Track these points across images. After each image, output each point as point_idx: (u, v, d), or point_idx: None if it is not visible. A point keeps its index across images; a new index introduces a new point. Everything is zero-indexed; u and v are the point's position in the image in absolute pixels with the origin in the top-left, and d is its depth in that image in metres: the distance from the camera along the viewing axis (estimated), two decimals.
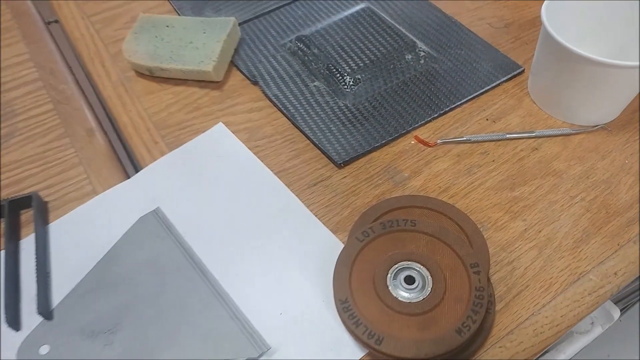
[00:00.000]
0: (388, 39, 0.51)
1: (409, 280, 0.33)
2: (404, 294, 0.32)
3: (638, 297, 0.62)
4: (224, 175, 0.44)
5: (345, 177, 0.43)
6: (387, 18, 0.54)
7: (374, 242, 0.34)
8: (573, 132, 0.44)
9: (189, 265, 0.39)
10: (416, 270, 0.33)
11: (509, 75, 0.49)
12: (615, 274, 0.36)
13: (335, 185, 0.42)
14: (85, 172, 0.45)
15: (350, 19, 0.54)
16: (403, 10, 0.56)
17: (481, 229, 0.38)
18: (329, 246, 0.39)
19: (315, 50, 0.51)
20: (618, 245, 0.37)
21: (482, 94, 0.48)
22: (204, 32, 0.52)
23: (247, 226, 0.40)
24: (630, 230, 0.38)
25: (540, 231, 0.38)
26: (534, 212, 0.40)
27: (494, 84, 0.48)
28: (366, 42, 0.51)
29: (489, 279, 0.35)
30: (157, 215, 0.42)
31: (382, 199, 0.41)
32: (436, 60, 0.51)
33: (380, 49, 0.50)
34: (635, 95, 0.44)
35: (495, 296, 0.35)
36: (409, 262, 0.33)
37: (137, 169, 0.45)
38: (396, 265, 0.33)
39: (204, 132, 0.47)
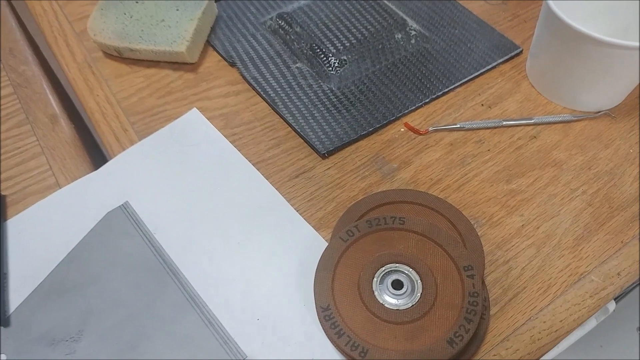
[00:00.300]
0: (376, 16, 0.47)
1: (397, 284, 0.30)
2: (391, 300, 0.29)
3: (636, 284, 0.60)
4: (198, 166, 0.40)
5: (329, 168, 0.40)
6: None
7: (359, 242, 0.32)
8: (574, 119, 0.41)
9: (160, 266, 0.36)
10: (405, 273, 0.30)
11: (506, 57, 0.46)
12: (619, 274, 0.33)
13: (318, 177, 0.39)
14: (48, 163, 0.41)
15: None
16: None
17: (475, 225, 0.36)
18: (312, 244, 0.36)
19: (298, 29, 0.47)
20: (622, 243, 0.35)
21: (477, 76, 0.45)
22: (177, 10, 0.47)
23: (222, 223, 0.37)
24: (635, 226, 0.35)
25: (538, 227, 0.36)
26: (532, 206, 0.37)
27: (490, 66, 0.45)
28: (353, 19, 0.47)
29: (483, 282, 0.32)
30: (125, 210, 0.38)
31: (369, 192, 0.38)
32: (428, 39, 0.47)
33: (368, 27, 0.46)
34: None
35: (490, 299, 0.32)
36: (397, 265, 0.30)
37: (104, 160, 0.41)
38: (383, 268, 0.30)
39: (177, 118, 0.43)
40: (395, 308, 0.29)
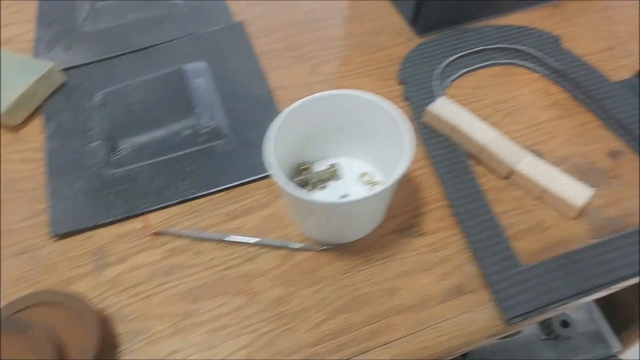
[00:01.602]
0: (176, 108, 0.49)
1: None
2: None
3: None
4: None
5: (55, 251, 0.42)
6: (197, 82, 0.52)
7: None
8: (299, 248, 0.40)
9: None
10: None
11: None
12: None
13: (40, 258, 0.41)
14: None
15: (159, 79, 0.52)
16: (230, 75, 0.53)
17: (134, 340, 0.36)
18: None
19: (109, 109, 0.50)
20: None
21: (245, 183, 0.45)
22: (21, 73, 0.52)
23: None
24: None
25: (191, 355, 0.35)
26: (199, 332, 0.36)
27: (259, 176, 0.45)
28: (158, 110, 0.49)
29: None
30: None
31: (72, 283, 0.39)
32: (222, 137, 0.48)
33: (162, 119, 0.48)
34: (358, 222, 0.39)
35: None
36: None
37: None
38: None
39: None
40: None
